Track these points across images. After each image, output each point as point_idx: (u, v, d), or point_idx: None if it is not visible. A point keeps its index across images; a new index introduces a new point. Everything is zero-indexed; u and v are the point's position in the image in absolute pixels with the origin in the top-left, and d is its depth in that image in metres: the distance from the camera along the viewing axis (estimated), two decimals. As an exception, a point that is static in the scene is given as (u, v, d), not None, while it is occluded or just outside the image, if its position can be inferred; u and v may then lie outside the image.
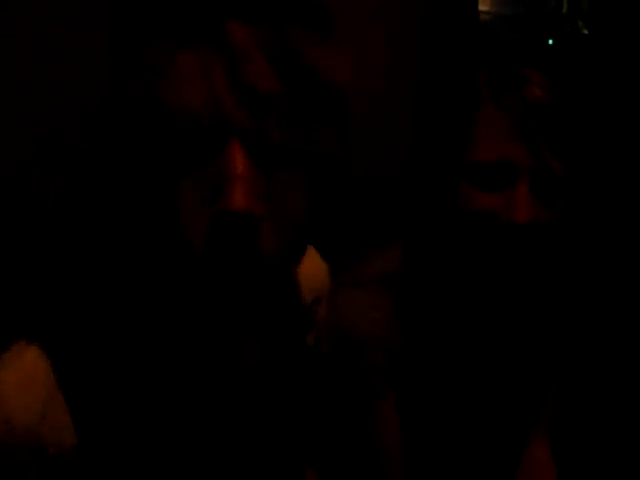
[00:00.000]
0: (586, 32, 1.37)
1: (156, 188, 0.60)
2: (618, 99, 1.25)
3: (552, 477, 0.99)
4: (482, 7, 1.41)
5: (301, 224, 0.64)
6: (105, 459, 0.63)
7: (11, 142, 0.63)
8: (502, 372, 0.94)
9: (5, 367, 0.59)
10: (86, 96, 0.65)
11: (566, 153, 0.85)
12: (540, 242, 0.82)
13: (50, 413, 0.60)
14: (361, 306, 0.89)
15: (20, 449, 0.60)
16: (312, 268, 0.86)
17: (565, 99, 0.86)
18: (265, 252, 0.59)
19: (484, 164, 0.81)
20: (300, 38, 0.60)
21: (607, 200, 1.20)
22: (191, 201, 0.59)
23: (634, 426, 1.09)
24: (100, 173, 0.60)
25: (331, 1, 0.68)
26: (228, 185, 0.57)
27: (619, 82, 1.28)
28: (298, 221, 0.63)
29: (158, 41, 0.59)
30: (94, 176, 0.65)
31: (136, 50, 0.61)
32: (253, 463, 0.71)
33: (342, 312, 0.88)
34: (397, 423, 0.89)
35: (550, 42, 1.32)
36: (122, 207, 0.66)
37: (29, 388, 0.60)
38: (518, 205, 0.81)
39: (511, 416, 0.96)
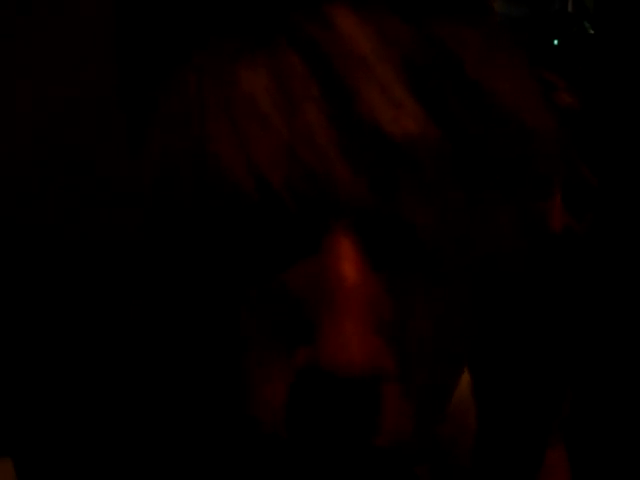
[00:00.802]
0: (592, 32, 1.37)
1: (193, 314, 0.35)
2: (625, 99, 1.24)
3: None
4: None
5: (453, 374, 0.36)
6: None
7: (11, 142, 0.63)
8: (526, 377, 0.93)
9: None
10: (90, 96, 0.65)
11: (597, 161, 0.85)
12: (571, 252, 0.82)
13: None
14: None
15: None
16: None
17: (590, 103, 0.86)
18: (385, 438, 0.32)
19: None
20: (458, 38, 0.32)
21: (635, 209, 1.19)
22: (257, 342, 0.33)
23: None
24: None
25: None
26: (328, 316, 0.30)
27: (626, 82, 1.27)
28: (448, 370, 0.35)
29: (193, 49, 0.33)
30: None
31: (151, 70, 0.36)
32: None
33: None
34: None
35: (556, 42, 1.31)
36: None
37: None
38: (553, 215, 0.80)
39: (531, 420, 0.96)
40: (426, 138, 0.31)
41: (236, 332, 0.34)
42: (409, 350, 0.33)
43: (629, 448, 1.04)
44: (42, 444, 0.53)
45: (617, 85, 1.26)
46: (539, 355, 0.93)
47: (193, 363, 0.39)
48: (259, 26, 0.32)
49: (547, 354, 0.94)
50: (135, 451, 0.47)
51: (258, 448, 0.34)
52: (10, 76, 0.61)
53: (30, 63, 0.61)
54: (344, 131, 0.31)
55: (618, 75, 1.26)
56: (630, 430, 1.07)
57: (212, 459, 0.43)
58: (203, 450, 0.44)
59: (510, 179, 0.34)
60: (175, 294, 0.37)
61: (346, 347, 0.30)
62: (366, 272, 0.31)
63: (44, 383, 0.61)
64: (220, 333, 0.35)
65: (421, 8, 0.33)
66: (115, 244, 0.62)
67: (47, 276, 0.63)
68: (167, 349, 0.43)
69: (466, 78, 0.32)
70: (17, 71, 0.61)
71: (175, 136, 0.34)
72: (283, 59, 0.31)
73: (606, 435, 1.04)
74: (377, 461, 0.33)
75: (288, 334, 0.32)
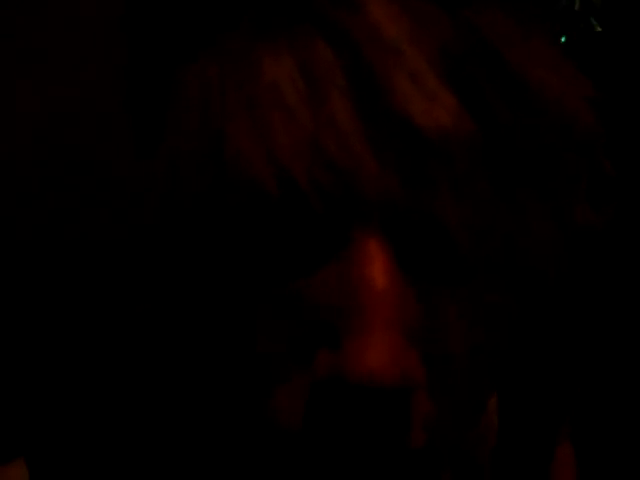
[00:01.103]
0: (599, 29, 1.36)
1: (207, 316, 0.33)
2: (632, 96, 1.23)
3: (573, 477, 0.98)
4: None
5: (485, 381, 0.34)
6: None
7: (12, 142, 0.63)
8: (545, 374, 0.93)
9: None
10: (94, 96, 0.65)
11: (616, 151, 0.84)
12: (592, 247, 0.81)
13: None
14: None
15: None
16: None
17: (608, 94, 0.85)
18: (414, 443, 0.31)
19: None
20: (494, 25, 0.31)
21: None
22: (275, 346, 0.31)
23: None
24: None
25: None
26: (354, 321, 0.28)
27: (634, 79, 1.27)
28: (478, 378, 0.33)
29: (213, 37, 0.32)
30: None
31: (164, 63, 0.34)
32: None
33: None
34: None
35: (563, 40, 1.30)
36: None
37: None
38: (576, 209, 0.79)
39: (540, 416, 0.95)
40: (459, 131, 0.29)
41: (253, 335, 0.32)
42: (438, 356, 0.31)
43: (635, 445, 1.04)
44: (53, 446, 0.53)
45: (624, 82, 1.25)
46: (557, 353, 0.92)
47: (207, 367, 0.37)
48: (283, 12, 0.31)
49: (565, 352, 0.93)
50: (145, 453, 0.46)
51: (274, 453, 0.33)
52: (10, 76, 0.61)
53: (30, 63, 0.61)
54: (372, 122, 0.29)
55: (625, 72, 1.25)
56: (636, 427, 1.06)
57: (224, 463, 0.42)
58: (216, 454, 0.42)
59: (542, 173, 0.33)
60: (187, 295, 0.36)
61: (375, 355, 0.28)
62: (395, 275, 0.29)
63: (50, 384, 0.61)
64: (236, 336, 0.32)
65: None
66: (115, 244, 0.62)
67: (47, 277, 0.63)
68: (176, 352, 0.42)
69: (503, 66, 0.31)
70: (17, 71, 0.61)
71: (193, 131, 0.32)
72: (308, 46, 0.30)
73: (612, 432, 1.03)
74: (405, 468, 0.31)
75: (308, 338, 0.30)
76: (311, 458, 0.31)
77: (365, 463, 0.30)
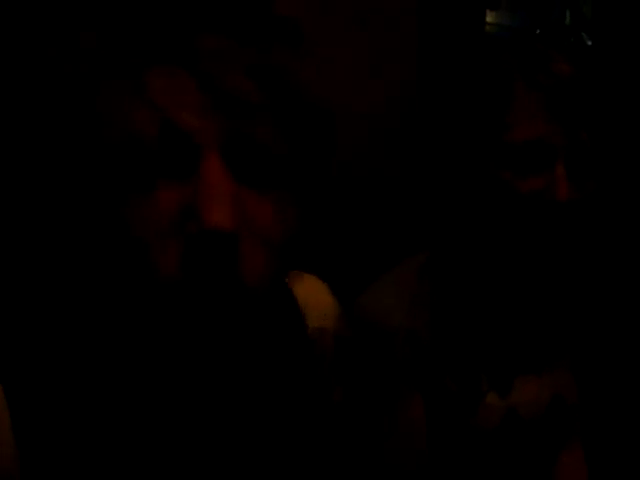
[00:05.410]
0: (590, 43, 1.38)
1: (108, 207, 0.55)
2: (622, 109, 1.25)
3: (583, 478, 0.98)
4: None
5: (284, 245, 0.59)
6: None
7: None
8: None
9: None
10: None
11: (597, 129, 0.85)
12: (575, 220, 0.82)
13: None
14: (389, 297, 0.88)
15: None
16: (316, 297, 0.80)
17: (588, 74, 0.86)
18: (245, 276, 0.55)
19: (522, 145, 0.81)
20: (276, 51, 0.57)
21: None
22: (157, 223, 0.53)
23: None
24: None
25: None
26: (203, 202, 0.52)
27: (623, 93, 1.29)
28: (281, 242, 0.59)
29: (124, 62, 0.54)
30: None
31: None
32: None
33: (370, 305, 0.88)
34: (423, 423, 0.87)
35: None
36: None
37: None
38: (559, 184, 0.81)
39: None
40: (256, 99, 0.55)
41: (137, 215, 0.54)
42: (256, 225, 0.56)
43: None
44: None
45: (615, 94, 1.27)
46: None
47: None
48: (159, 48, 0.54)
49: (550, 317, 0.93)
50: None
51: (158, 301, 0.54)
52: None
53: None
54: (211, 98, 0.54)
55: (615, 85, 1.28)
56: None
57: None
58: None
59: (309, 125, 0.61)
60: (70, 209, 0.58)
61: (218, 216, 0.52)
62: (229, 179, 0.54)
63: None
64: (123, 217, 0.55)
65: (255, 35, 0.57)
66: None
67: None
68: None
69: (282, 74, 0.58)
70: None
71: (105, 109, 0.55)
72: (175, 69, 0.54)
73: (621, 436, 1.04)
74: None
75: (181, 217, 0.54)
76: (184, 288, 0.54)
77: (211, 291, 0.54)
